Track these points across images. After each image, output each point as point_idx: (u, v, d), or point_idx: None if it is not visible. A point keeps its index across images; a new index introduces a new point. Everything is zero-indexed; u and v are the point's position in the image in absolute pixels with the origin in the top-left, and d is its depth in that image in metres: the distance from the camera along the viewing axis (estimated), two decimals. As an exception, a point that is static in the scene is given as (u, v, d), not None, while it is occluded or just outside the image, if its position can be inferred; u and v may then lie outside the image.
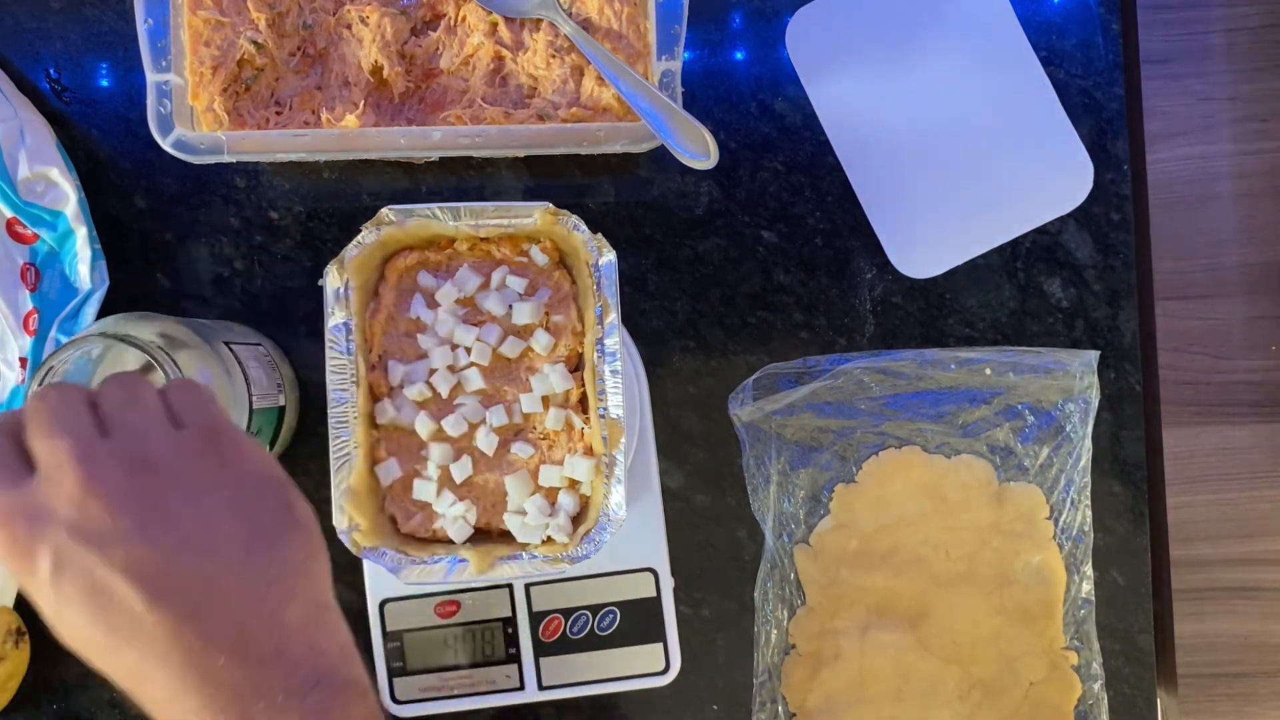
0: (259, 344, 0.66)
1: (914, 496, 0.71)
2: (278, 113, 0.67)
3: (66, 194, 0.68)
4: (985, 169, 0.73)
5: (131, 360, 0.56)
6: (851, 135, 0.73)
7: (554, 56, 0.67)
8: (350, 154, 0.66)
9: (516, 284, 0.64)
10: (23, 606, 0.68)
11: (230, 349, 0.61)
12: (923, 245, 0.73)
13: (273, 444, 0.66)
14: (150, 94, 0.64)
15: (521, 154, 0.69)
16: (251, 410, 0.61)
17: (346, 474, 0.61)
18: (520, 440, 0.64)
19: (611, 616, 0.68)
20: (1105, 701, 0.71)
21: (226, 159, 0.65)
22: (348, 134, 0.65)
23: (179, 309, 0.71)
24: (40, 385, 0.55)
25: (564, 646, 0.67)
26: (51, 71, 0.71)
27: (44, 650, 0.70)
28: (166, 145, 0.64)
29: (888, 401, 0.72)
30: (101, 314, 0.69)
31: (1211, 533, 0.75)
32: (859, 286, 0.73)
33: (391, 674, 0.67)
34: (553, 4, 0.67)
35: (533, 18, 0.68)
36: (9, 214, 0.68)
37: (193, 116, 0.66)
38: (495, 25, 0.68)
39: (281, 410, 0.66)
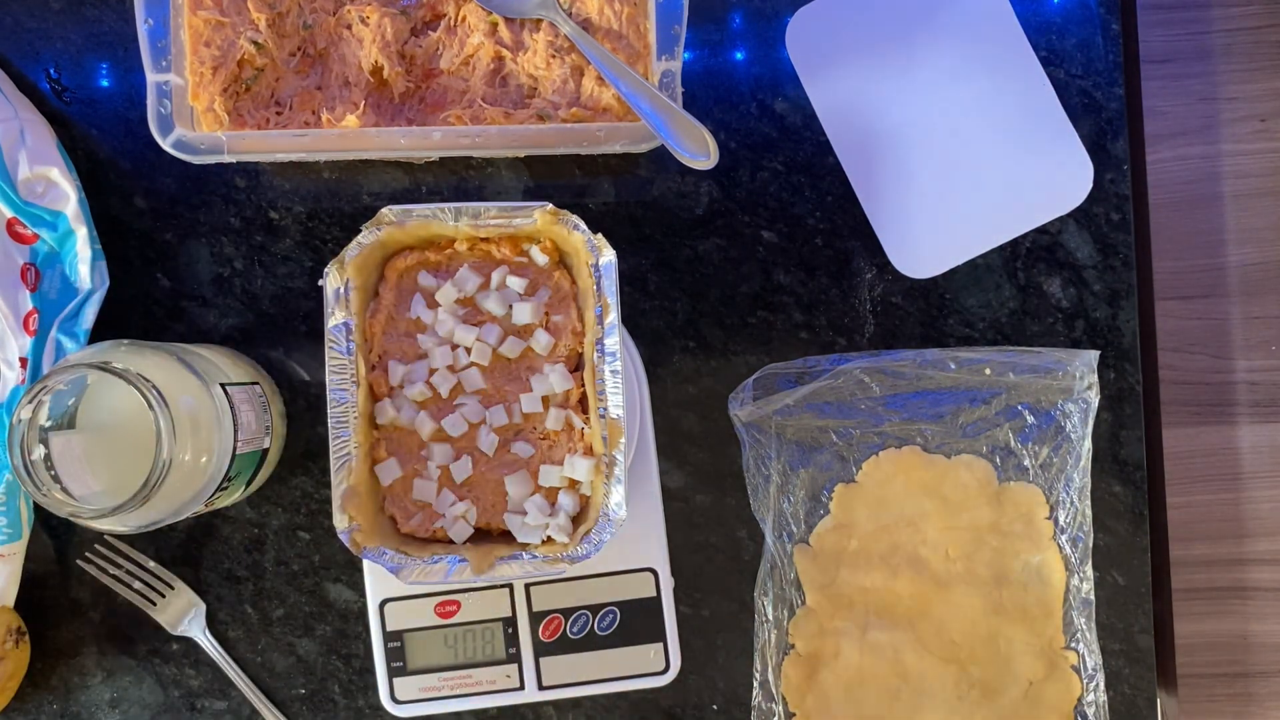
0: (255, 383, 0.66)
1: (914, 496, 0.71)
2: (278, 113, 0.67)
3: (67, 194, 0.68)
4: (985, 169, 0.73)
5: (120, 392, 0.56)
6: (851, 135, 0.73)
7: (554, 56, 0.67)
8: (350, 154, 0.66)
9: (516, 284, 0.64)
10: (23, 606, 0.68)
11: (225, 392, 0.61)
12: (923, 245, 0.73)
13: (250, 483, 0.66)
14: (150, 94, 0.64)
15: (522, 154, 0.69)
16: (234, 456, 0.61)
17: (346, 474, 0.61)
18: (520, 440, 0.64)
19: (611, 616, 0.68)
20: (1105, 701, 0.71)
21: (227, 159, 0.65)
22: (348, 134, 0.65)
23: (179, 309, 0.71)
24: (31, 403, 0.56)
25: (564, 646, 0.67)
26: (51, 71, 0.71)
27: (44, 650, 0.70)
28: (167, 145, 0.64)
29: (887, 401, 0.72)
30: (102, 314, 0.69)
31: (1211, 533, 0.75)
32: (859, 286, 0.73)
33: (391, 674, 0.67)
34: (553, 4, 0.67)
35: (533, 18, 0.68)
36: (9, 214, 0.68)
37: (193, 117, 0.66)
38: (495, 25, 0.68)
39: (264, 452, 0.66)
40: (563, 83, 0.67)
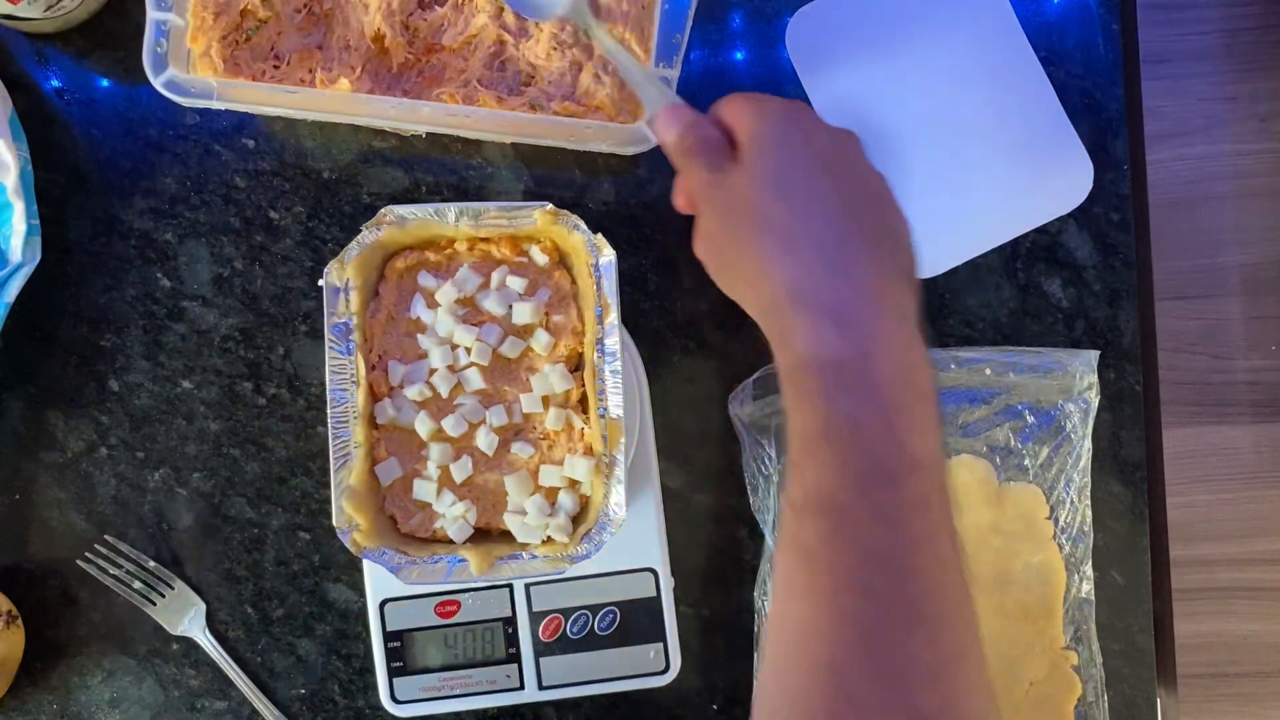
0: None
1: (914, 496, 0.71)
2: (275, 66, 0.67)
3: (8, 165, 0.67)
4: (985, 169, 0.73)
5: None
6: (851, 135, 0.73)
7: (555, 49, 0.67)
8: (338, 117, 0.65)
9: (516, 284, 0.64)
10: (23, 606, 0.68)
11: None
12: (923, 245, 0.73)
13: None
14: (149, 30, 0.63)
15: (508, 140, 0.69)
16: None
17: (346, 474, 0.61)
18: (520, 440, 0.64)
19: (611, 616, 0.68)
20: (1105, 701, 0.71)
21: (215, 105, 0.64)
22: (338, 96, 0.64)
23: (179, 309, 0.71)
24: None
25: (564, 646, 0.67)
26: (51, 71, 0.71)
27: (44, 650, 0.70)
28: (158, 84, 0.63)
29: (888, 401, 0.71)
30: (102, 312, 0.69)
31: (1211, 533, 0.75)
32: (859, 286, 0.72)
33: (391, 674, 0.67)
34: (585, 11, 0.64)
35: (567, 20, 0.66)
36: None
37: (189, 60, 0.65)
38: (501, 9, 0.68)
39: None
40: (560, 76, 0.67)
